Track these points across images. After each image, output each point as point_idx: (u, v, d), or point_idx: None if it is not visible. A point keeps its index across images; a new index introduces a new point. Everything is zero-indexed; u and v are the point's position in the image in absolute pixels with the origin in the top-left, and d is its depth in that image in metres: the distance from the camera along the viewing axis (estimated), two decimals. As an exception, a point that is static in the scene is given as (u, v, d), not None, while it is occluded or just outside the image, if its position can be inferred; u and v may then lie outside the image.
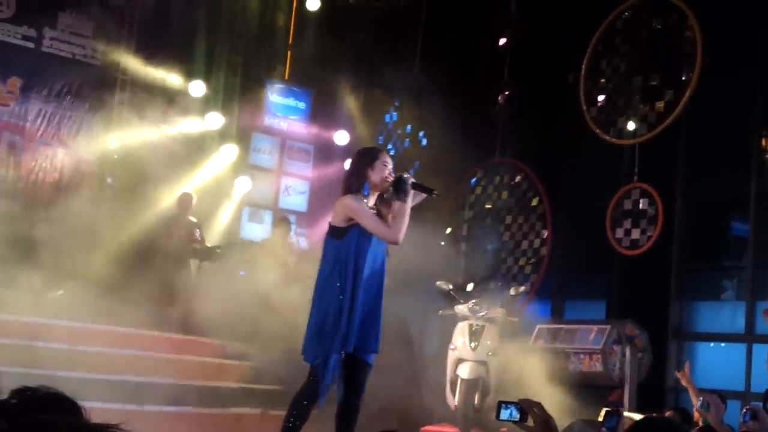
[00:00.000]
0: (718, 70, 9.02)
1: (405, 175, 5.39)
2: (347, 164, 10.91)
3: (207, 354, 8.97)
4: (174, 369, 8.19)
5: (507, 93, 10.77)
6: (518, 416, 3.06)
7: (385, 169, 5.40)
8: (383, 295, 5.53)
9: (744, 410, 4.87)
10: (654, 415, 5.55)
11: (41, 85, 10.36)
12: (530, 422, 3.03)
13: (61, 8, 10.53)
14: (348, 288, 5.33)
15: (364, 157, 5.54)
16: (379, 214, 5.40)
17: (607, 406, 8.36)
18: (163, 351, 8.51)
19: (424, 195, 5.53)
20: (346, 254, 5.37)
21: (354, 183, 5.45)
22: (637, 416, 6.19)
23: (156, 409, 7.38)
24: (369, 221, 5.34)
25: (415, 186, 5.41)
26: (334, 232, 5.48)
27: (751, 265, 9.11)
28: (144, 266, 9.11)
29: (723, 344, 9.50)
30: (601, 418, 4.90)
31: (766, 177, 9.37)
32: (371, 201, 5.46)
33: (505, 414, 3.11)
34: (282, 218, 11.47)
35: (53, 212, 9.53)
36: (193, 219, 10.32)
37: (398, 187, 5.36)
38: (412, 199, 5.39)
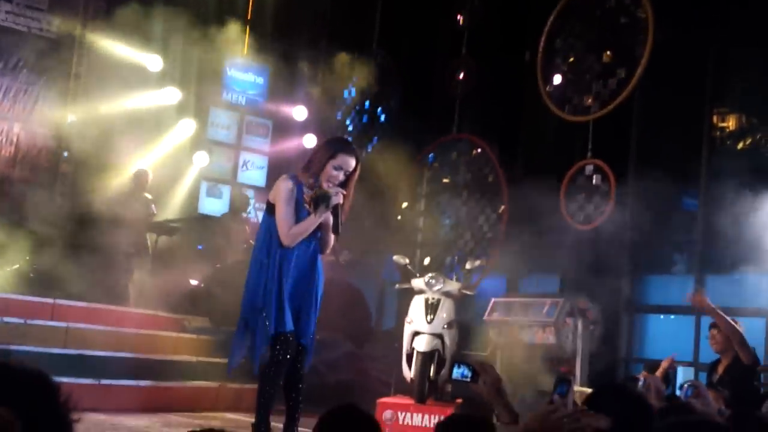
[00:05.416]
0: (670, 47, 9.16)
1: (331, 196, 5.30)
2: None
3: (164, 328, 8.99)
4: (131, 343, 8.21)
5: (465, 70, 10.84)
6: (470, 375, 3.13)
7: (333, 173, 5.34)
8: (319, 290, 5.51)
9: (686, 386, 4.92)
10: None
11: (-4, 58, 10.27)
12: (481, 383, 3.11)
13: (17, -19, 10.43)
14: (273, 269, 5.35)
15: (322, 151, 5.51)
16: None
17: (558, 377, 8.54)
18: (121, 325, 8.51)
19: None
20: (274, 234, 5.39)
21: (309, 169, 5.44)
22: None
23: (113, 383, 7.39)
24: (279, 210, 5.32)
25: (333, 211, 5.36)
26: (269, 208, 5.50)
27: (701, 239, 9.31)
28: (101, 241, 9.09)
29: (673, 317, 9.71)
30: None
31: (716, 153, 9.56)
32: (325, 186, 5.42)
33: (457, 373, 3.18)
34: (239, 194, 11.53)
35: (8, 186, 9.47)
36: (148, 195, 10.32)
37: (317, 202, 5.34)
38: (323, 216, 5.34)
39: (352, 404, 2.85)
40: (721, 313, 6.58)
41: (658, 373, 6.66)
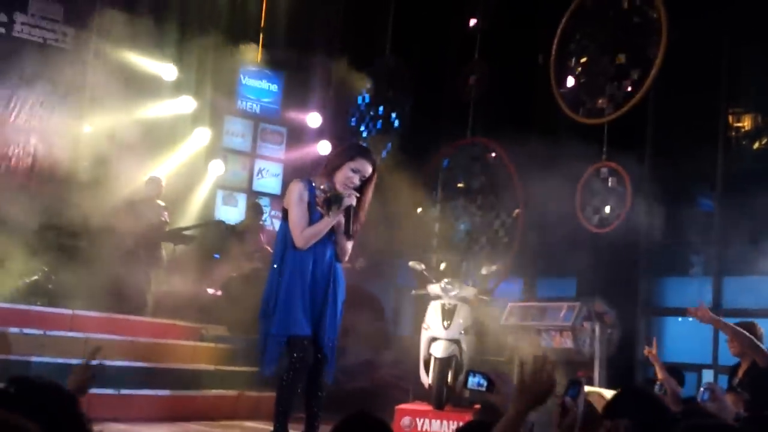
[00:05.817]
0: (684, 48, 9.12)
1: (344, 197, 5.35)
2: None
3: (182, 337, 9.02)
4: (150, 353, 8.24)
5: (477, 74, 10.84)
6: (485, 385, 3.10)
7: (349, 175, 5.39)
8: (339, 296, 5.52)
9: (702, 389, 4.89)
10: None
11: (12, 70, 10.33)
12: (497, 393, 3.08)
13: (32, -7, 10.52)
14: (286, 273, 5.38)
15: (341, 153, 5.57)
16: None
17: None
18: (139, 335, 8.54)
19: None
20: (289, 241, 5.41)
21: (326, 170, 5.51)
22: (607, 392, 6.30)
23: (132, 392, 7.43)
24: (292, 214, 5.35)
25: (345, 213, 5.39)
26: (284, 215, 5.53)
27: (717, 241, 9.26)
28: (117, 250, 9.13)
29: (691, 319, 9.64)
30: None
31: (732, 154, 9.53)
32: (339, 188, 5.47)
33: (472, 382, 3.15)
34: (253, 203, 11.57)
35: (27, 198, 9.52)
36: (161, 203, 10.34)
37: (329, 203, 5.37)
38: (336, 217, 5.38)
39: (366, 411, 2.86)
40: (725, 321, 6.57)
41: (658, 372, 6.64)
